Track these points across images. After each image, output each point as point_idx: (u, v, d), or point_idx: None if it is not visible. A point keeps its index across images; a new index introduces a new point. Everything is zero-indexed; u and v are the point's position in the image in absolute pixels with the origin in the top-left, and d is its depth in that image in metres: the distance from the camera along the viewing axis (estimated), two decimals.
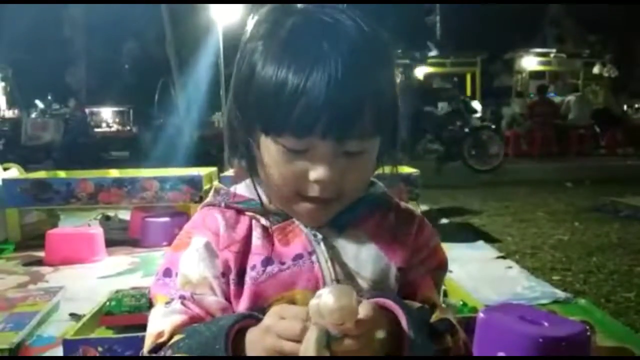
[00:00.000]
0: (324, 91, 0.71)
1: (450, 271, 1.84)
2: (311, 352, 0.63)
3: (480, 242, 3.41)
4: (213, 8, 6.63)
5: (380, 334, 0.69)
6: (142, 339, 0.82)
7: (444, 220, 4.18)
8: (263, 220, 0.84)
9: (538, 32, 17.93)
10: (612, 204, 4.61)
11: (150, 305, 0.86)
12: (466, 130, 8.13)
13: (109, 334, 1.75)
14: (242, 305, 0.80)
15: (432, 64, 13.55)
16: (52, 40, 16.80)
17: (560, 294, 2.39)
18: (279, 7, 0.80)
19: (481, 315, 0.70)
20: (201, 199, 3.22)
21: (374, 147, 0.80)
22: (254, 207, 0.85)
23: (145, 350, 0.80)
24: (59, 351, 1.70)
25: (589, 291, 2.46)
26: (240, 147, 0.83)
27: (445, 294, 1.94)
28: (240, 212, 0.86)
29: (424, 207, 3.89)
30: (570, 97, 11.91)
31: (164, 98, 11.94)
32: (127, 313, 1.81)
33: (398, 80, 0.82)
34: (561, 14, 18.28)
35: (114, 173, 4.16)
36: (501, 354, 0.66)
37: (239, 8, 6.74)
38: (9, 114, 12.68)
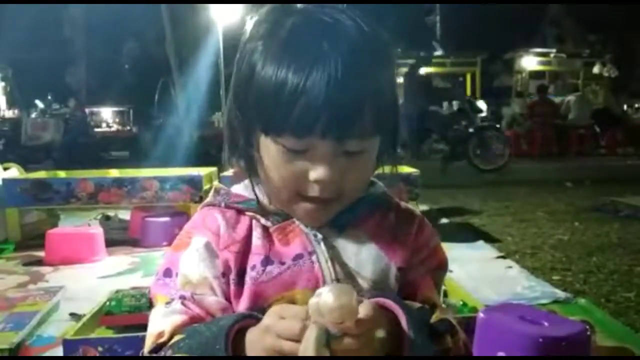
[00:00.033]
0: (323, 91, 0.71)
1: (450, 271, 1.84)
2: (311, 351, 0.62)
3: (480, 242, 3.41)
4: (213, 8, 6.64)
5: (380, 334, 0.69)
6: (142, 339, 0.82)
7: (444, 220, 4.18)
8: (263, 220, 0.84)
9: (538, 32, 17.93)
10: (612, 203, 4.60)
11: (150, 305, 0.86)
12: (471, 130, 8.13)
13: (109, 334, 1.74)
14: (242, 305, 0.80)
15: (433, 64, 13.56)
16: (52, 40, 16.80)
17: (560, 293, 2.39)
18: (279, 7, 0.80)
19: (481, 315, 0.70)
20: (201, 199, 3.22)
21: (373, 147, 0.80)
22: (254, 207, 0.85)
23: (145, 350, 0.80)
24: (59, 351, 1.70)
25: (589, 291, 2.45)
26: (240, 147, 0.83)
27: (445, 294, 1.94)
28: (240, 212, 0.86)
29: (423, 207, 3.89)
30: (570, 97, 11.90)
31: (164, 98, 11.93)
32: (127, 313, 1.80)
33: (402, 80, 0.82)
34: (561, 14, 18.27)
35: (114, 173, 4.16)
36: (501, 354, 0.66)
37: (239, 8, 6.75)
38: (9, 114, 12.71)
